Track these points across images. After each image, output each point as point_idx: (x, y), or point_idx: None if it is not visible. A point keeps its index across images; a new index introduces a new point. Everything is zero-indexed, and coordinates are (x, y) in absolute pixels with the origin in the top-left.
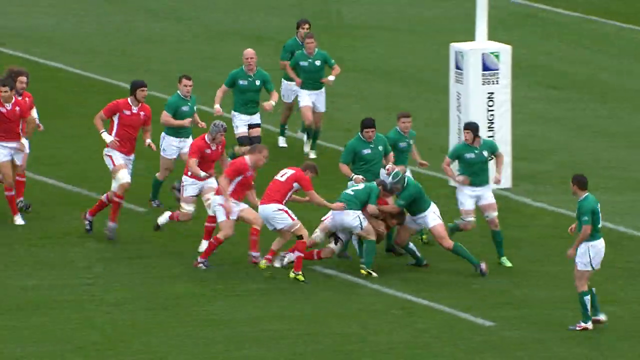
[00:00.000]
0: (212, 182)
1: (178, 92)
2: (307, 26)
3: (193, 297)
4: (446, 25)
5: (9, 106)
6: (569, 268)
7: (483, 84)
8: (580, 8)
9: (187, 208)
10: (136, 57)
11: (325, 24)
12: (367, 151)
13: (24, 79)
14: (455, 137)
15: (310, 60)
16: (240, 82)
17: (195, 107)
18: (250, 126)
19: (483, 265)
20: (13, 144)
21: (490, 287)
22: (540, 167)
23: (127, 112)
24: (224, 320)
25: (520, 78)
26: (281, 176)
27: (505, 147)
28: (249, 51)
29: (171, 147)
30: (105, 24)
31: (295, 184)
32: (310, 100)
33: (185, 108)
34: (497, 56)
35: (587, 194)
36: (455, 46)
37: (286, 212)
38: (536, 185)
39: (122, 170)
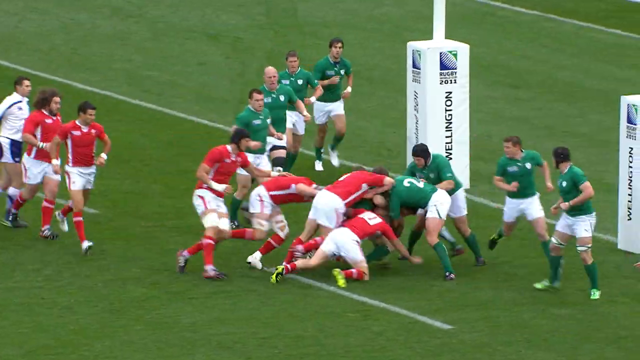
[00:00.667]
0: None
1: (249, 106)
2: (339, 45)
3: (147, 299)
4: (410, 24)
5: (85, 129)
6: (531, 269)
7: (441, 83)
8: (538, 6)
9: (264, 224)
10: (97, 56)
11: (292, 22)
12: (257, 122)
13: (58, 99)
14: (413, 137)
15: (292, 79)
16: (266, 99)
17: (268, 120)
18: (275, 147)
19: (452, 276)
20: (89, 170)
21: (449, 289)
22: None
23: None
24: (178, 324)
25: (479, 77)
26: (369, 219)
27: (463, 147)
28: (270, 69)
29: None
30: (64, 24)
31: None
32: (290, 121)
33: (257, 122)
34: (455, 55)
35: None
36: (412, 45)
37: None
38: (494, 186)
39: (213, 214)
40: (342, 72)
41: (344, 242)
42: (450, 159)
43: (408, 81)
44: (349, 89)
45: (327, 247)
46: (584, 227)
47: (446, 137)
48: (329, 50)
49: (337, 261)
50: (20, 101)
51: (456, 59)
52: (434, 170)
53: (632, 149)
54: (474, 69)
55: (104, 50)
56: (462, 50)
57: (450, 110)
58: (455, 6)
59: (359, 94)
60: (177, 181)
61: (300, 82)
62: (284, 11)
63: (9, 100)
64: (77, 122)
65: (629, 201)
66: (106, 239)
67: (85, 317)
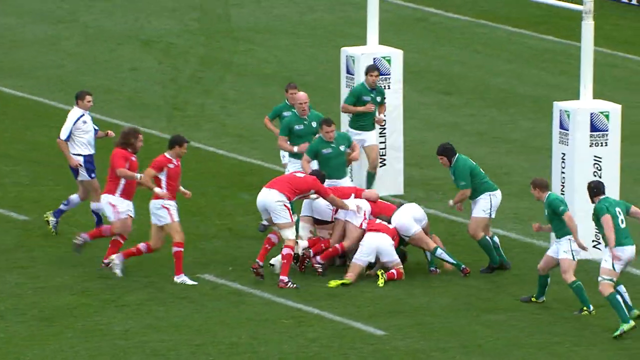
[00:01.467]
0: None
1: (294, 111)
2: (375, 73)
3: (78, 307)
4: (343, 29)
5: (176, 162)
6: (460, 277)
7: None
8: (471, 12)
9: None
10: (28, 62)
11: (224, 27)
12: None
13: (141, 136)
14: None
15: (293, 110)
16: (296, 127)
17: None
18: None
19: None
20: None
21: (382, 295)
22: (433, 173)
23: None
24: (111, 331)
25: (412, 83)
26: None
27: (397, 152)
28: (302, 95)
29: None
30: None
31: None
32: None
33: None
34: (388, 60)
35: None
36: (346, 50)
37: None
38: (428, 192)
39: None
40: (378, 99)
41: (385, 248)
42: (384, 164)
43: (342, 87)
44: (382, 116)
45: (368, 257)
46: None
47: (380, 142)
48: (365, 78)
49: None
50: (83, 114)
51: (390, 65)
52: (453, 174)
53: (564, 154)
54: (406, 75)
55: (35, 55)
56: (396, 55)
57: (384, 116)
58: (388, 12)
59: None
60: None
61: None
62: (217, 17)
63: (73, 115)
64: (167, 155)
65: None
66: (37, 245)
67: (14, 325)
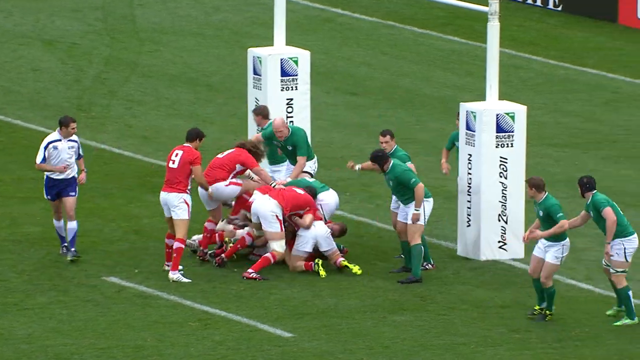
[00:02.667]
0: None
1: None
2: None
3: None
4: (250, 30)
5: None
6: (372, 277)
7: (282, 90)
8: (377, 13)
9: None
10: None
11: (129, 28)
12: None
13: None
14: None
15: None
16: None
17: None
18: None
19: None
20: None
21: (289, 297)
22: (340, 174)
23: None
24: (13, 335)
25: (319, 84)
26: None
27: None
28: (277, 122)
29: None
30: None
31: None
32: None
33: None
34: (295, 61)
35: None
36: (253, 51)
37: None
38: (337, 193)
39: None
40: None
41: (323, 236)
42: None
43: (249, 88)
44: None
45: (307, 247)
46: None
47: None
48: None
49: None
50: (59, 140)
51: (297, 66)
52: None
53: (470, 155)
54: (314, 76)
55: None
56: (303, 56)
57: (292, 116)
58: (295, 12)
59: (198, 100)
60: (11, 189)
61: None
62: (121, 17)
63: (46, 140)
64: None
65: (468, 207)
66: None
67: None
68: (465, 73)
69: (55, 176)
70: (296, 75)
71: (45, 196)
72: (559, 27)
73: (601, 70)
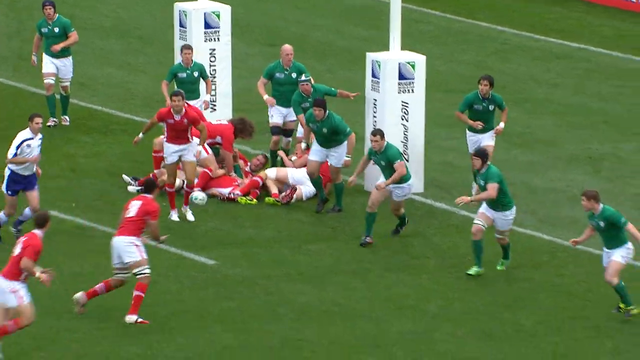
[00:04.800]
0: None
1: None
2: (485, 82)
3: None
4: None
5: (177, 117)
6: (291, 209)
7: (205, 41)
8: None
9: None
10: None
11: None
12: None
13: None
14: None
15: (188, 71)
16: (277, 75)
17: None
18: (287, 122)
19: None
20: (181, 146)
21: (213, 228)
22: (257, 117)
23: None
24: None
25: (239, 36)
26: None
27: (226, 99)
28: (287, 47)
29: None
30: None
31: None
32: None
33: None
34: (218, 15)
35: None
36: (179, 6)
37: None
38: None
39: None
40: (491, 107)
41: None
42: (215, 109)
43: (175, 39)
44: (502, 124)
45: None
46: (507, 220)
47: (212, 89)
48: (478, 87)
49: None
50: (31, 138)
51: (219, 19)
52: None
53: (376, 100)
54: (234, 29)
55: None
56: (225, 10)
57: (215, 66)
58: None
59: (130, 51)
60: None
61: (195, 74)
62: None
63: (18, 138)
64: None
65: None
66: None
67: None
68: (371, 27)
69: (22, 172)
70: (218, 28)
71: (4, 190)
72: None
73: (491, 23)
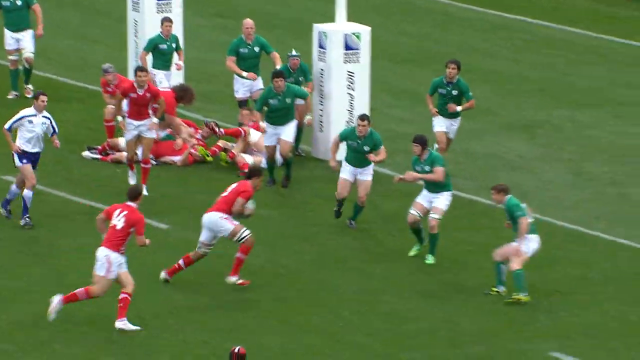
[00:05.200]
0: None
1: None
2: (453, 66)
3: None
4: None
5: (140, 91)
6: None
7: (157, 12)
8: None
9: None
10: None
11: None
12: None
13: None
14: (133, 60)
15: (168, 43)
16: (241, 50)
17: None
18: (253, 93)
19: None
20: (141, 122)
21: (166, 195)
22: (210, 87)
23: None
24: None
25: (191, 7)
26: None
27: (182, 71)
28: (248, 21)
29: None
30: None
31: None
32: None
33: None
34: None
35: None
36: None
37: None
38: (206, 104)
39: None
40: (454, 92)
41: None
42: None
43: (128, 10)
44: (458, 108)
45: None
46: (444, 201)
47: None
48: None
49: None
50: (34, 115)
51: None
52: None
53: (322, 70)
54: (186, 1)
55: None
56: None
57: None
58: None
59: (85, 23)
60: None
61: (173, 45)
62: None
63: (21, 113)
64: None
65: (320, 115)
66: None
67: None
68: None
69: (30, 149)
70: (171, 0)
71: (19, 163)
72: None
73: None
